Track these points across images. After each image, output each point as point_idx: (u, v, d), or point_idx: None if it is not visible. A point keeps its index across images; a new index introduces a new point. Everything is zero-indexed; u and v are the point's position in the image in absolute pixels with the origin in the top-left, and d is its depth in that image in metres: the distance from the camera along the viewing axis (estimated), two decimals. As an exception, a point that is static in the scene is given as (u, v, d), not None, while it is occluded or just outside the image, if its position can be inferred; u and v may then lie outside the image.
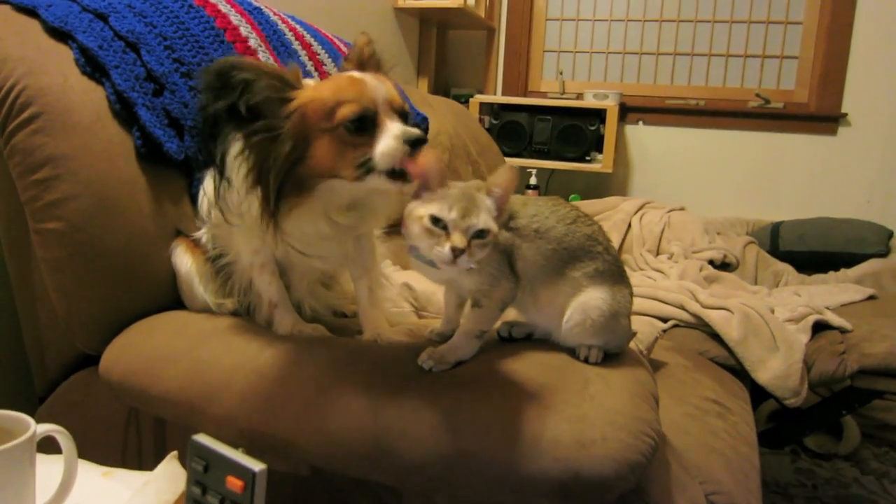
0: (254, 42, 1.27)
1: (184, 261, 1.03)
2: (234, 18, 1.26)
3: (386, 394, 0.76)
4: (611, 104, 3.00)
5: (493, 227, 0.75)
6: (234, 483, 0.51)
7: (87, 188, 0.96)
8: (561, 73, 3.42)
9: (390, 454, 0.72)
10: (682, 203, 2.42)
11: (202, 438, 0.54)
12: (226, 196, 0.88)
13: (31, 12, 1.04)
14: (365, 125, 0.81)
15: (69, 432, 0.67)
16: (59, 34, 1.03)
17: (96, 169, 0.98)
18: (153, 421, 0.97)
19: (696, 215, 2.32)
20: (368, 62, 0.91)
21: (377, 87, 0.83)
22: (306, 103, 0.81)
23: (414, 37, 3.19)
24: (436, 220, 0.74)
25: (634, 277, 1.77)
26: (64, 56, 1.02)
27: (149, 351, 0.93)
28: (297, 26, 1.48)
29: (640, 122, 3.31)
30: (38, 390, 1.12)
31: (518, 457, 0.68)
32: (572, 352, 0.84)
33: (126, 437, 1.00)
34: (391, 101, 0.83)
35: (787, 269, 2.13)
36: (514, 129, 3.08)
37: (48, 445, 0.67)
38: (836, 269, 2.17)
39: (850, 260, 2.23)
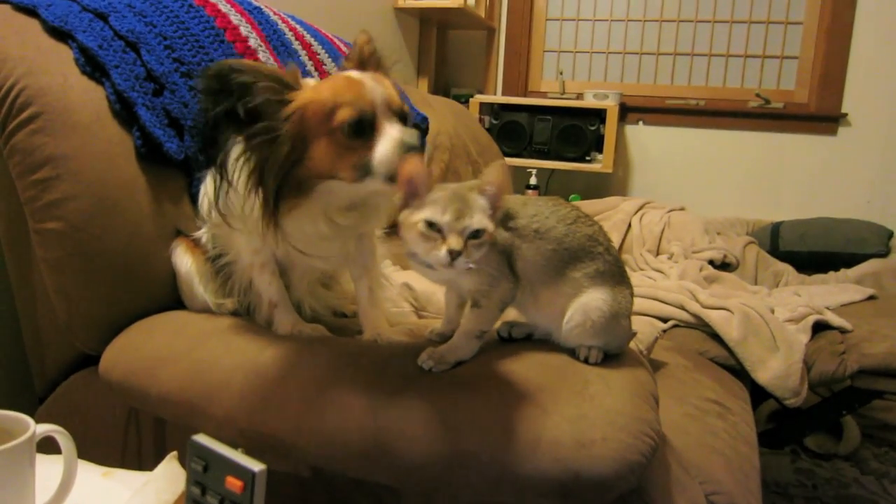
0: (254, 42, 1.27)
1: (184, 261, 1.03)
2: (234, 18, 1.26)
3: (386, 394, 0.76)
4: (611, 104, 3.00)
5: (489, 225, 0.75)
6: (234, 483, 0.51)
7: (87, 188, 0.96)
8: (561, 73, 3.42)
9: (390, 454, 0.72)
10: (683, 203, 2.42)
11: (202, 438, 0.54)
12: (227, 199, 0.88)
13: (31, 12, 1.04)
14: (363, 128, 0.81)
15: (69, 432, 0.67)
16: (59, 34, 1.03)
17: (96, 169, 0.98)
18: (153, 421, 0.97)
19: (696, 215, 2.32)
20: (369, 61, 0.90)
21: (375, 88, 0.83)
22: (305, 105, 0.81)
23: (414, 37, 3.19)
24: (430, 225, 0.74)
25: (634, 277, 1.77)
26: (64, 56, 1.02)
27: (149, 351, 0.93)
28: (297, 26, 1.48)
29: (640, 122, 3.31)
30: (37, 390, 1.12)
31: (518, 457, 0.68)
32: (572, 352, 0.84)
33: (126, 438, 1.00)
34: (390, 103, 0.83)
35: (787, 269, 2.13)
36: (514, 129, 3.08)
37: (48, 445, 0.67)
38: (837, 269, 2.17)
39: (850, 260, 2.23)
